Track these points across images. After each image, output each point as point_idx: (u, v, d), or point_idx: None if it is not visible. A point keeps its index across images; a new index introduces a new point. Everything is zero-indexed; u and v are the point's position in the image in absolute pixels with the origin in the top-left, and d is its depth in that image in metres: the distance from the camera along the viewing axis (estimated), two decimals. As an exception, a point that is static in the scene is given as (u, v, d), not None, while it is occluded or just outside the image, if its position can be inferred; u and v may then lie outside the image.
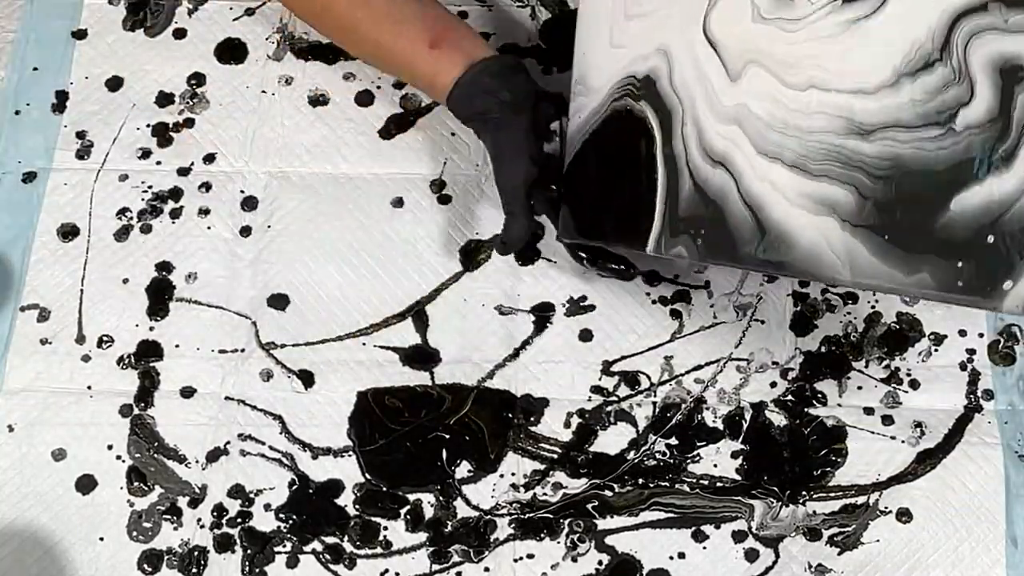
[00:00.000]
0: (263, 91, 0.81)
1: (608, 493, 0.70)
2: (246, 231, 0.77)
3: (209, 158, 0.79)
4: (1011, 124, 0.51)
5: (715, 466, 0.71)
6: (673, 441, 0.71)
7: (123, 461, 0.71)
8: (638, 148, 0.64)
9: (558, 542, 0.69)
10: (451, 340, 0.74)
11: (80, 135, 0.79)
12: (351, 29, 0.71)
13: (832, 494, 0.70)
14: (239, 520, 0.70)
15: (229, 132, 0.79)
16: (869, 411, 0.72)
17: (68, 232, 0.76)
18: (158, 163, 0.79)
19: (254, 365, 0.73)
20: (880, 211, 0.55)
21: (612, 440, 0.71)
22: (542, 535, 0.69)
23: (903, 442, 0.71)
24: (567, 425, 0.72)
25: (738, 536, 0.69)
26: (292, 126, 0.80)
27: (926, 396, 0.72)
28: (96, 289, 0.75)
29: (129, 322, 0.74)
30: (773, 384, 0.73)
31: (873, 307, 0.74)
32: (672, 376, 0.73)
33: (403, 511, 0.70)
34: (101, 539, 0.69)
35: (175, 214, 0.77)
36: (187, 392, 0.72)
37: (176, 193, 0.78)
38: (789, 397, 0.72)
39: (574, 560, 0.69)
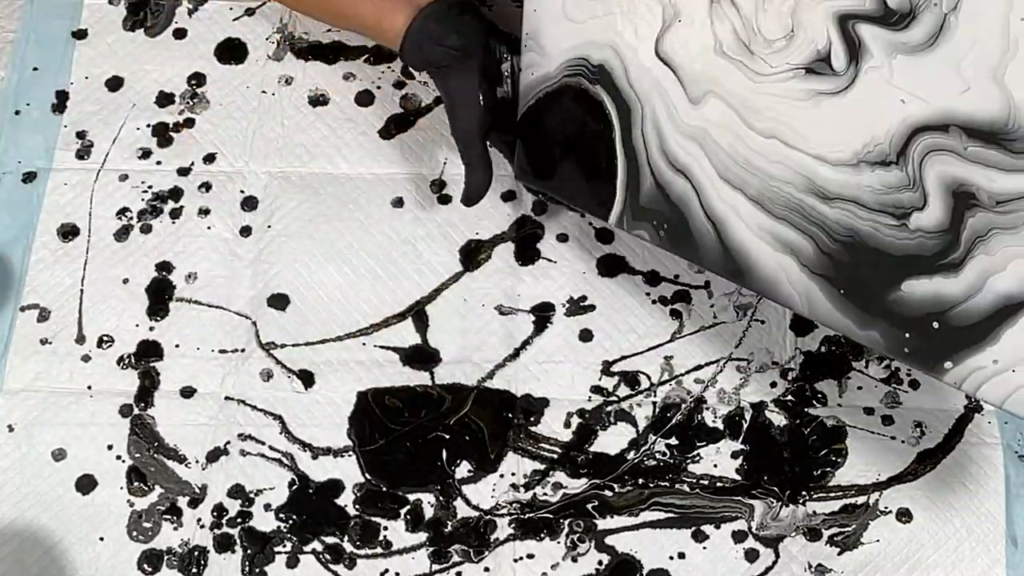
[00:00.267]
0: (263, 91, 0.81)
1: (608, 493, 0.70)
2: (246, 231, 0.77)
3: (209, 158, 0.79)
4: (959, 240, 0.52)
5: (715, 466, 0.71)
6: (673, 441, 0.71)
7: (123, 461, 0.71)
8: (595, 129, 0.63)
9: (558, 542, 0.69)
10: (451, 340, 0.74)
11: (80, 135, 0.79)
12: None
13: (832, 494, 0.70)
14: (239, 520, 0.70)
15: (229, 132, 0.79)
16: (869, 411, 0.72)
17: (68, 232, 0.76)
18: (158, 163, 0.79)
19: (254, 365, 0.73)
20: (837, 268, 0.56)
21: (612, 440, 0.71)
22: (542, 535, 0.69)
23: (903, 442, 0.71)
24: (567, 425, 0.72)
25: (738, 536, 0.69)
26: (292, 126, 0.80)
27: (926, 396, 0.72)
28: (96, 289, 0.75)
29: (129, 322, 0.74)
30: (773, 384, 0.73)
31: (873, 307, 0.74)
32: (672, 376, 0.73)
33: (403, 511, 0.70)
34: (101, 539, 0.69)
35: (175, 214, 0.77)
36: (187, 392, 0.72)
37: (176, 193, 0.78)
38: (789, 397, 0.72)
39: (574, 560, 0.69)
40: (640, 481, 0.70)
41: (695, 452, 0.71)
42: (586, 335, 0.74)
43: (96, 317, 0.74)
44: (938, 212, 0.52)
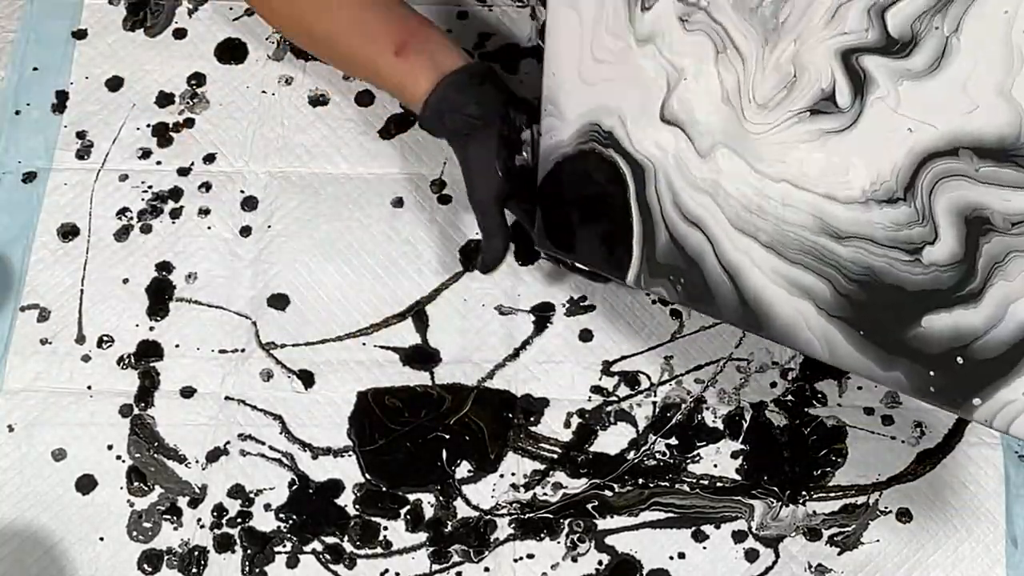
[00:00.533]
0: (263, 91, 0.81)
1: (608, 493, 0.70)
2: (246, 231, 0.77)
3: (209, 158, 0.79)
4: (976, 269, 0.51)
5: (715, 466, 0.71)
6: (673, 441, 0.71)
7: (123, 461, 0.71)
8: (611, 190, 0.63)
9: (558, 542, 0.69)
10: (451, 340, 0.74)
11: (80, 135, 0.79)
12: (316, 35, 0.70)
13: (832, 494, 0.70)
14: (239, 520, 0.70)
15: (229, 132, 0.79)
16: (869, 411, 0.72)
17: (68, 232, 0.76)
18: (158, 163, 0.79)
19: (254, 365, 0.73)
20: (855, 309, 0.55)
21: (612, 440, 0.71)
22: (542, 535, 0.69)
23: (903, 442, 0.71)
24: (567, 425, 0.72)
25: (738, 536, 0.69)
26: (292, 126, 0.80)
27: (926, 396, 0.72)
28: (96, 289, 0.75)
29: (129, 322, 0.74)
30: (773, 384, 0.73)
31: (873, 307, 0.74)
32: (672, 376, 0.73)
33: (403, 511, 0.70)
34: (101, 539, 0.69)
35: (175, 214, 0.77)
36: (187, 392, 0.72)
37: (176, 193, 0.78)
38: (789, 397, 0.72)
39: (574, 560, 0.69)
40: (640, 481, 0.70)
41: (695, 452, 0.71)
42: (586, 335, 0.74)
43: (96, 317, 0.74)
44: (951, 243, 0.51)
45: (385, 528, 0.69)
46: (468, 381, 0.73)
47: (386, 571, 0.69)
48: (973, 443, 0.71)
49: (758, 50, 0.54)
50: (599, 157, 0.63)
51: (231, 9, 0.83)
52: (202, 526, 0.69)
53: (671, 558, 0.69)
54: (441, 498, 0.70)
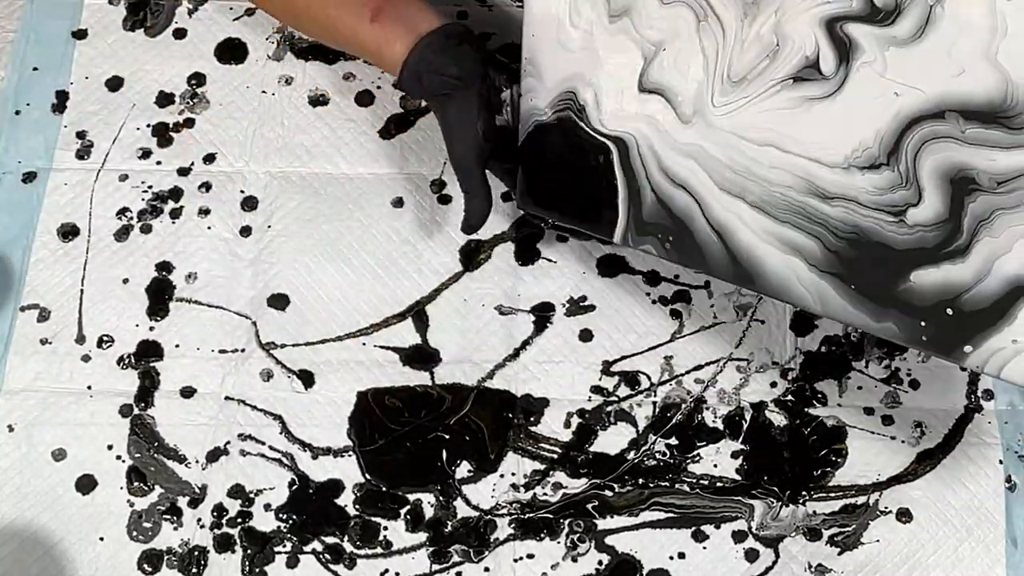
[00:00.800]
0: (263, 91, 0.81)
1: (608, 493, 0.70)
2: (246, 231, 0.77)
3: (209, 158, 0.79)
4: (961, 228, 0.52)
5: (715, 466, 0.71)
6: (673, 441, 0.71)
7: (123, 461, 0.71)
8: (592, 154, 0.63)
9: (558, 542, 0.69)
10: (451, 340, 0.74)
11: (80, 135, 0.79)
12: (295, 5, 0.70)
13: (832, 494, 0.70)
14: (239, 520, 0.70)
15: (229, 132, 0.79)
16: (869, 411, 0.72)
17: (68, 232, 0.76)
18: (158, 163, 0.79)
19: (254, 365, 0.73)
20: (844, 265, 0.56)
21: (612, 440, 0.71)
22: (542, 535, 0.69)
23: (903, 442, 0.71)
24: (567, 425, 0.72)
25: (738, 536, 0.69)
26: (292, 126, 0.80)
27: (926, 396, 0.72)
28: (96, 289, 0.75)
29: (129, 322, 0.74)
30: (773, 384, 0.73)
31: (873, 307, 0.74)
32: (672, 376, 0.73)
33: (403, 511, 0.70)
34: (101, 539, 0.69)
35: (175, 214, 0.77)
36: (187, 392, 0.72)
37: (176, 193, 0.78)
38: (789, 397, 0.72)
39: (574, 560, 0.69)
40: (640, 481, 0.70)
41: (695, 452, 0.71)
42: (586, 335, 0.74)
43: (96, 317, 0.74)
44: (936, 204, 0.52)
45: (385, 528, 0.69)
46: (468, 381, 0.73)
47: (386, 571, 0.69)
48: (973, 443, 0.71)
49: (737, 22, 0.55)
50: (576, 125, 0.63)
51: (231, 9, 0.83)
52: (202, 526, 0.69)
53: (671, 558, 0.69)
54: (441, 498, 0.70)
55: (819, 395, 0.72)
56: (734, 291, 0.75)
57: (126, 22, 0.83)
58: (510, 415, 0.72)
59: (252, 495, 0.70)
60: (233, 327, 0.74)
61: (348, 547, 0.69)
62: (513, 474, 0.71)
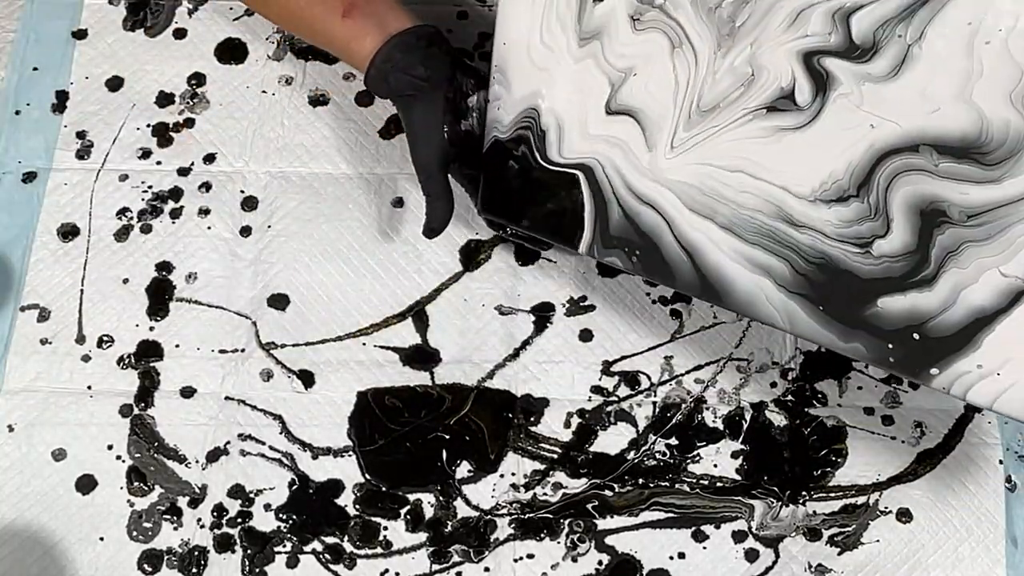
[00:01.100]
0: (263, 91, 0.81)
1: (608, 493, 0.70)
2: (246, 231, 0.77)
3: (209, 158, 0.79)
4: (929, 258, 0.53)
5: (715, 466, 0.71)
6: (673, 441, 0.71)
7: (123, 461, 0.71)
8: (557, 171, 0.63)
9: (558, 542, 0.69)
10: (451, 340, 0.74)
11: (80, 135, 0.79)
12: None
13: (832, 494, 0.70)
14: (239, 520, 0.70)
15: (229, 132, 0.79)
16: (869, 411, 0.72)
17: (68, 232, 0.76)
18: (158, 163, 0.79)
19: (254, 365, 0.73)
20: (813, 287, 0.56)
21: (612, 440, 0.71)
22: (542, 535, 0.69)
23: (903, 442, 0.71)
24: (567, 425, 0.72)
25: (738, 536, 0.69)
26: (292, 126, 0.80)
27: (926, 396, 0.72)
28: (96, 289, 0.75)
29: (129, 322, 0.74)
30: (773, 384, 0.73)
31: (873, 307, 0.74)
32: (672, 376, 0.73)
33: (403, 511, 0.70)
34: (101, 539, 0.69)
35: (175, 214, 0.77)
36: (187, 392, 0.72)
37: (176, 193, 0.78)
38: (789, 397, 0.72)
39: (574, 560, 0.69)
40: (640, 481, 0.70)
41: (695, 452, 0.71)
42: (586, 335, 0.74)
43: (96, 317, 0.74)
44: (904, 235, 0.53)
45: (385, 528, 0.69)
46: (468, 381, 0.73)
47: (386, 571, 0.69)
48: (973, 443, 0.71)
49: (711, 55, 0.55)
50: (533, 159, 0.64)
51: (231, 9, 0.83)
52: (202, 526, 0.69)
53: (671, 558, 0.69)
54: (441, 498, 0.70)
55: (819, 395, 0.72)
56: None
57: (126, 22, 0.83)
58: (510, 415, 0.72)
59: (252, 495, 0.70)
60: (233, 327, 0.74)
61: (348, 547, 0.69)
62: (513, 474, 0.71)
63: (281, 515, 0.70)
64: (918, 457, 0.71)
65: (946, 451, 0.71)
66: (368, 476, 0.70)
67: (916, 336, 0.54)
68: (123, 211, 0.77)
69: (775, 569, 0.69)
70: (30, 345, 0.73)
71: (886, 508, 0.70)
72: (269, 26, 0.82)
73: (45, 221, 0.77)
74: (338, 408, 0.72)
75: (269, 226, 0.77)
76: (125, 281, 0.75)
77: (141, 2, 0.83)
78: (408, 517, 0.70)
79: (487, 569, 0.69)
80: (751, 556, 0.69)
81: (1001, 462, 0.71)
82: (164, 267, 0.76)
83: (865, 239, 0.54)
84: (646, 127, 0.58)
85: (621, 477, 0.70)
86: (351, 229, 0.77)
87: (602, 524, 0.69)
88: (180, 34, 0.82)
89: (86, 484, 0.70)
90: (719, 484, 0.70)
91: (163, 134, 0.79)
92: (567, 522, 0.69)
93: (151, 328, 0.74)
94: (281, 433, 0.72)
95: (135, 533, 0.69)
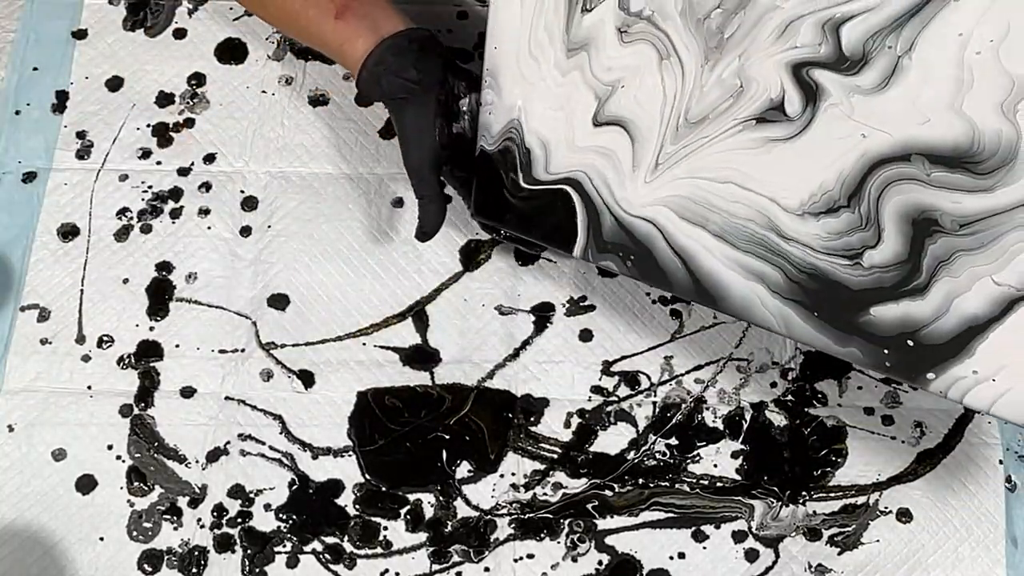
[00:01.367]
0: (263, 91, 0.81)
1: (608, 493, 0.70)
2: (246, 231, 0.77)
3: (209, 158, 0.79)
4: (921, 267, 0.52)
5: (715, 466, 0.71)
6: (673, 441, 0.71)
7: (123, 461, 0.71)
8: (544, 190, 0.63)
9: (558, 542, 0.69)
10: (451, 340, 0.74)
11: (80, 135, 0.79)
12: None
13: (832, 494, 0.70)
14: (239, 520, 0.70)
15: (229, 132, 0.79)
16: (869, 411, 0.72)
17: (68, 232, 0.76)
18: (158, 163, 0.79)
19: (254, 365, 0.73)
20: (806, 294, 0.56)
21: (612, 440, 0.71)
22: (542, 535, 0.69)
23: (903, 442, 0.71)
24: (567, 425, 0.72)
25: (738, 536, 0.69)
26: (292, 126, 0.80)
27: (926, 396, 0.72)
28: (96, 289, 0.75)
29: (129, 322, 0.74)
30: (773, 384, 0.73)
31: (873, 307, 0.74)
32: (672, 376, 0.73)
33: (403, 511, 0.70)
34: (101, 539, 0.69)
35: (175, 214, 0.77)
36: (187, 392, 0.72)
37: (176, 193, 0.78)
38: (789, 397, 0.72)
39: (574, 560, 0.69)
40: (640, 481, 0.70)
41: (695, 452, 0.71)
42: (586, 335, 0.74)
43: (96, 317, 0.74)
44: (896, 245, 0.53)
45: (385, 528, 0.69)
46: (468, 381, 0.73)
47: (386, 571, 0.69)
48: (973, 443, 0.71)
49: (698, 67, 0.54)
50: (518, 178, 0.64)
51: (231, 9, 0.83)
52: (202, 526, 0.69)
53: (671, 558, 0.69)
54: (441, 498, 0.70)
55: (819, 395, 0.72)
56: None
57: (126, 22, 0.83)
58: (510, 415, 0.72)
59: (252, 495, 0.70)
60: (233, 327, 0.74)
61: (348, 547, 0.69)
62: (513, 474, 0.71)
63: (281, 515, 0.70)
64: (918, 457, 0.71)
65: (946, 451, 0.71)
66: (368, 476, 0.70)
67: (910, 343, 0.54)
68: (123, 211, 0.77)
69: (775, 569, 0.69)
70: (30, 345, 0.73)
71: (886, 508, 0.70)
72: (269, 26, 0.82)
73: (45, 221, 0.77)
74: (338, 408, 0.72)
75: (269, 226, 0.77)
76: (125, 281, 0.75)
77: (141, 2, 0.83)
78: (408, 517, 0.70)
79: (487, 569, 0.69)
80: (751, 556, 0.69)
81: (1001, 462, 0.71)
82: (164, 267, 0.76)
83: (855, 250, 0.54)
84: (635, 137, 0.58)
85: (621, 477, 0.70)
86: (351, 229, 0.77)
87: (602, 524, 0.69)
88: (180, 34, 0.82)
89: (86, 484, 0.70)
90: (719, 484, 0.70)
91: (163, 134, 0.79)
92: (567, 522, 0.69)
93: (151, 328, 0.74)
94: (281, 433, 0.72)
95: (135, 533, 0.69)
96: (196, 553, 0.69)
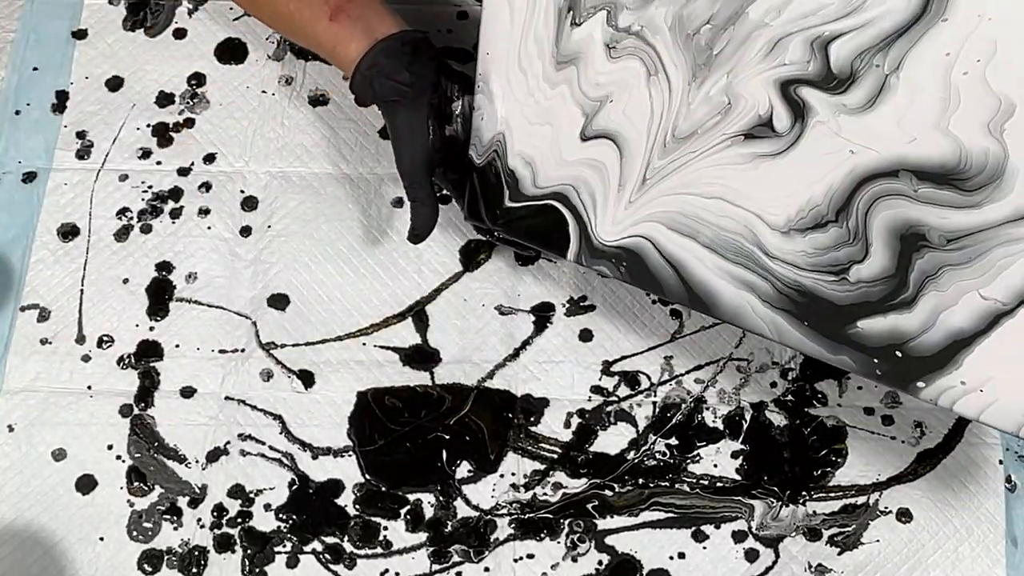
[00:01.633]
0: (263, 91, 0.81)
1: (608, 493, 0.70)
2: (246, 231, 0.77)
3: (209, 158, 0.79)
4: (908, 282, 0.53)
5: (715, 466, 0.71)
6: (673, 441, 0.71)
7: (123, 461, 0.71)
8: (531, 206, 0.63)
9: (558, 542, 0.69)
10: (451, 340, 0.74)
11: (80, 135, 0.79)
12: None
13: (832, 494, 0.70)
14: (239, 520, 0.70)
15: (229, 132, 0.79)
16: (869, 411, 0.72)
17: (68, 232, 0.76)
18: (158, 163, 0.79)
19: (254, 365, 0.73)
20: (796, 305, 0.57)
21: (612, 440, 0.71)
22: (542, 535, 0.69)
23: (903, 442, 0.71)
24: (567, 425, 0.72)
25: (738, 536, 0.69)
26: (292, 126, 0.80)
27: (926, 396, 0.72)
28: (96, 289, 0.75)
29: (129, 322, 0.74)
30: (773, 384, 0.73)
31: (873, 307, 0.74)
32: (672, 376, 0.73)
33: (403, 511, 0.70)
34: (101, 539, 0.69)
35: (175, 214, 0.77)
36: (187, 392, 0.72)
37: (176, 193, 0.78)
38: (789, 397, 0.72)
39: (574, 560, 0.69)
40: (640, 481, 0.70)
41: (695, 452, 0.71)
42: (586, 335, 0.74)
43: (96, 317, 0.74)
44: (883, 260, 0.53)
45: (385, 528, 0.69)
46: (468, 381, 0.73)
47: (386, 571, 0.69)
48: (973, 443, 0.71)
49: (685, 85, 0.54)
50: (504, 197, 0.64)
51: (231, 9, 0.83)
52: (202, 526, 0.69)
53: (671, 558, 0.69)
54: (441, 498, 0.70)
55: (819, 395, 0.72)
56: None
57: (126, 22, 0.83)
58: (510, 415, 0.72)
59: (252, 495, 0.70)
60: (233, 327, 0.74)
61: (348, 547, 0.69)
62: (513, 474, 0.71)
63: (281, 515, 0.70)
64: (918, 457, 0.71)
65: (946, 451, 0.71)
66: (368, 476, 0.70)
67: (898, 354, 0.54)
68: (123, 211, 0.77)
69: (775, 569, 0.68)
70: (30, 345, 0.73)
71: (886, 508, 0.70)
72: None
73: (45, 221, 0.77)
74: (338, 408, 0.72)
75: (269, 226, 0.77)
76: (125, 281, 0.75)
77: (141, 2, 0.83)
78: (408, 517, 0.70)
79: (487, 569, 0.69)
80: (751, 556, 0.69)
81: (1001, 462, 0.71)
82: (164, 267, 0.76)
83: (842, 265, 0.54)
84: (623, 150, 0.58)
85: (621, 477, 0.70)
86: (351, 229, 0.77)
87: (602, 524, 0.69)
88: (180, 34, 0.82)
89: (86, 484, 0.70)
90: (719, 484, 0.70)
91: (163, 134, 0.79)
92: (567, 522, 0.69)
93: (151, 328, 0.74)
94: (281, 433, 0.72)
95: (135, 533, 0.69)
96: (196, 553, 0.69)
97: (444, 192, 0.77)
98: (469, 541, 0.69)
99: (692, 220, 0.58)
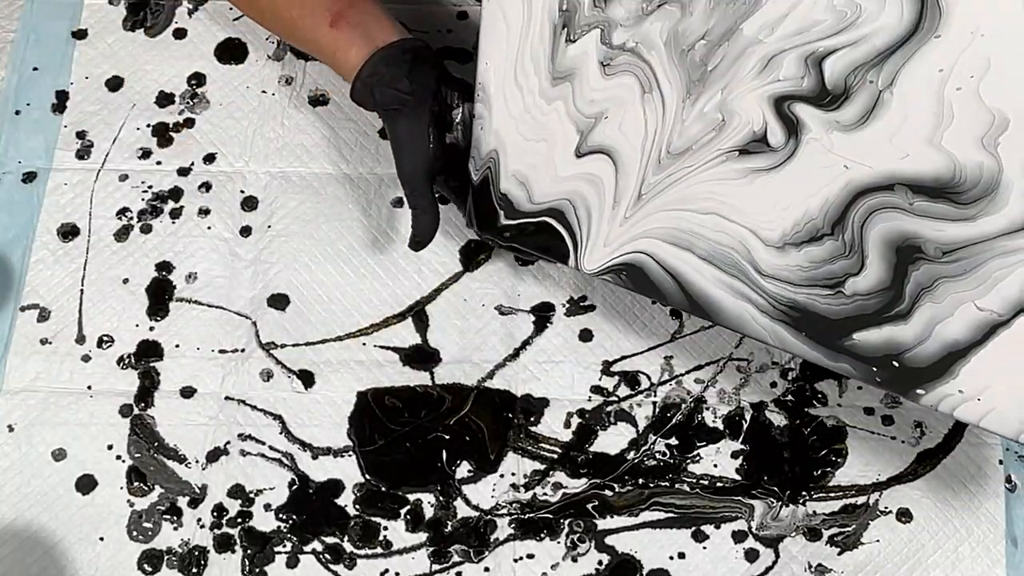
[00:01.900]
0: (263, 91, 0.81)
1: (608, 493, 0.70)
2: (246, 231, 0.77)
3: (209, 158, 0.79)
4: (903, 294, 0.53)
5: (715, 466, 0.71)
6: (673, 441, 0.71)
7: (123, 461, 0.71)
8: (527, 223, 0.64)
9: (558, 542, 0.69)
10: (451, 340, 0.74)
11: (80, 135, 0.79)
12: (259, 3, 0.70)
13: (832, 494, 0.70)
14: (239, 520, 0.70)
15: (229, 132, 0.79)
16: (869, 411, 0.72)
17: (68, 232, 0.76)
18: (158, 163, 0.79)
19: (254, 365, 0.73)
20: (792, 318, 0.57)
21: (612, 440, 0.71)
22: (542, 535, 0.69)
23: (903, 442, 0.71)
24: (567, 425, 0.72)
25: (738, 536, 0.69)
26: (292, 126, 0.80)
27: (926, 396, 0.72)
28: (96, 289, 0.75)
29: (129, 322, 0.74)
30: (773, 384, 0.73)
31: (873, 307, 0.74)
32: (672, 376, 0.73)
33: (403, 511, 0.70)
34: (101, 539, 0.69)
35: (175, 214, 0.77)
36: (187, 392, 0.72)
37: (176, 193, 0.78)
38: (789, 397, 0.72)
39: (574, 560, 0.69)
40: (640, 481, 0.70)
41: (695, 452, 0.71)
42: (586, 335, 0.74)
43: (96, 317, 0.74)
44: (879, 272, 0.53)
45: (385, 528, 0.69)
46: (468, 381, 0.73)
47: (386, 571, 0.69)
48: (973, 443, 0.71)
49: (679, 102, 0.54)
50: (498, 216, 0.64)
51: (231, 9, 0.83)
52: (202, 526, 0.69)
53: (671, 558, 0.69)
54: (441, 498, 0.70)
55: (819, 395, 0.72)
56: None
57: (126, 22, 0.83)
58: (510, 415, 0.72)
59: (252, 495, 0.70)
60: (233, 327, 0.74)
61: (348, 547, 0.69)
62: (513, 474, 0.71)
63: (281, 515, 0.70)
64: (918, 457, 0.71)
65: (946, 451, 0.71)
66: (368, 476, 0.70)
67: (896, 364, 0.55)
68: (123, 211, 0.77)
69: (775, 569, 0.69)
70: (30, 345, 0.73)
71: (886, 508, 0.70)
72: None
73: (45, 221, 0.77)
74: (338, 408, 0.72)
75: (269, 226, 0.77)
76: (125, 281, 0.75)
77: (141, 2, 0.83)
78: (408, 517, 0.70)
79: (487, 569, 0.69)
80: (751, 556, 0.69)
81: (1001, 462, 0.71)
82: (164, 267, 0.76)
83: (838, 278, 0.54)
84: (618, 165, 0.59)
85: (621, 477, 0.70)
86: (351, 229, 0.77)
87: (602, 524, 0.69)
88: (180, 34, 0.82)
89: (86, 484, 0.70)
90: (719, 484, 0.70)
91: (163, 134, 0.79)
92: (567, 522, 0.69)
93: (151, 328, 0.74)
94: (281, 433, 0.72)
95: (135, 533, 0.69)
96: (196, 553, 0.69)
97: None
98: (469, 541, 0.69)
99: (688, 235, 0.58)
